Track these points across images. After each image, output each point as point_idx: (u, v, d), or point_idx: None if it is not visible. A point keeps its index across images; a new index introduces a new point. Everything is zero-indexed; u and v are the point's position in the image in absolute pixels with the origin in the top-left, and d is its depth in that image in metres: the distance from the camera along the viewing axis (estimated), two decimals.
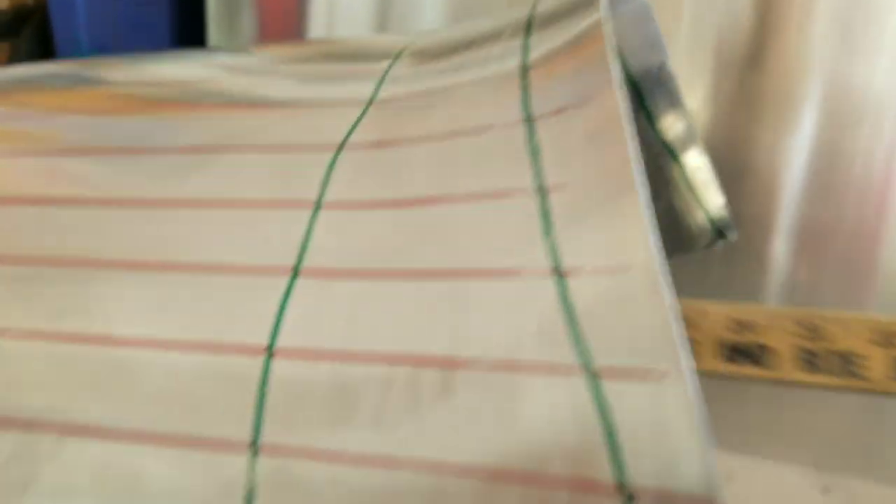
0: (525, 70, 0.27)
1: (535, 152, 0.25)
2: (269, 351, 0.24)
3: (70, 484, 0.23)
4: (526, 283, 0.23)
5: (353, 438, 0.23)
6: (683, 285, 0.28)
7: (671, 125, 0.43)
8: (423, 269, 0.24)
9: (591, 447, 0.21)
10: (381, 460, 0.23)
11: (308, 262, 0.25)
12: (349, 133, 0.28)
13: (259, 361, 0.24)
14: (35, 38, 1.05)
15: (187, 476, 0.23)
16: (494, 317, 0.23)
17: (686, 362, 0.21)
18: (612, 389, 0.22)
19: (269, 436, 0.23)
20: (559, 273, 0.23)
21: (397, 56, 0.32)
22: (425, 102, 0.29)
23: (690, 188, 0.44)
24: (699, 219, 0.44)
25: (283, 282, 0.25)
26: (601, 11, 0.28)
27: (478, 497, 0.21)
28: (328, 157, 0.27)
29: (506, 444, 0.22)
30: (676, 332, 0.22)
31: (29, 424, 0.24)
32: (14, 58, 1.01)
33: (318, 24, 0.80)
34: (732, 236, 0.44)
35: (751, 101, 0.80)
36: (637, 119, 0.42)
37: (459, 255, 0.24)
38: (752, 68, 0.80)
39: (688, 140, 0.43)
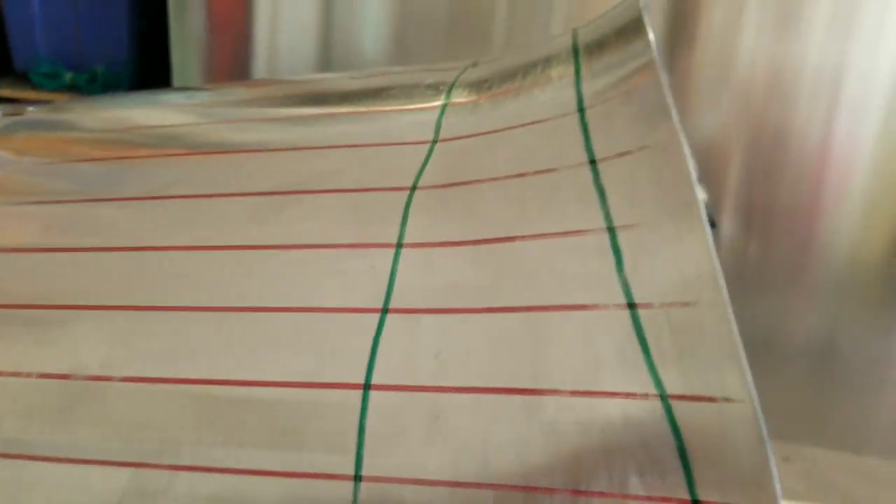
0: (582, 111, 0.29)
1: (601, 193, 0.27)
2: (367, 386, 0.26)
3: None
4: (602, 316, 0.26)
5: (445, 463, 0.25)
6: None
7: None
8: (504, 305, 0.26)
9: (665, 461, 0.24)
10: (472, 484, 0.25)
11: (395, 300, 0.27)
12: (420, 173, 0.29)
13: (357, 396, 0.25)
14: None
15: None
16: (573, 347, 0.26)
17: (752, 388, 0.24)
18: (684, 412, 0.25)
19: (370, 467, 0.25)
20: (632, 307, 0.25)
21: (449, 91, 0.33)
22: (487, 144, 0.30)
23: None
24: None
25: (373, 320, 0.26)
26: (651, 48, 0.30)
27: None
28: (402, 197, 0.29)
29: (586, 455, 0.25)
30: (744, 359, 0.24)
31: (140, 463, 0.25)
32: None
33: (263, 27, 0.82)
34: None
35: (682, 83, 0.82)
36: None
37: (537, 291, 0.26)
38: (682, 48, 0.82)
39: None
